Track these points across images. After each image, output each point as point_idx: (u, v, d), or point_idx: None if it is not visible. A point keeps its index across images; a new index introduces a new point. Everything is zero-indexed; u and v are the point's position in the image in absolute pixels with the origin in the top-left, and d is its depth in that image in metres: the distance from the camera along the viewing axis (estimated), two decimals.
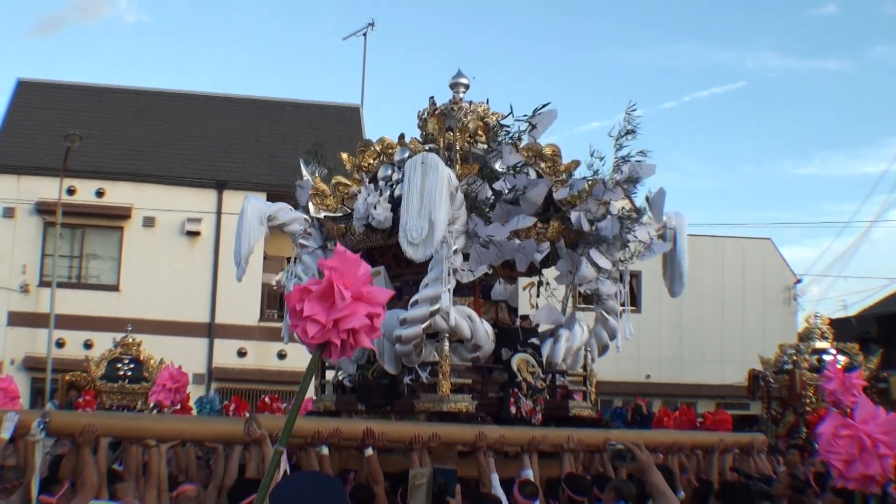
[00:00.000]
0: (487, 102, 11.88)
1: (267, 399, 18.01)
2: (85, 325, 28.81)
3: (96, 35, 75.90)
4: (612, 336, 11.83)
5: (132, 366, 21.34)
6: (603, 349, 11.95)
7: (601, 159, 10.97)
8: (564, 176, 11.51)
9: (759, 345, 28.42)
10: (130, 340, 21.89)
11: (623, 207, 11.05)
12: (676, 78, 76.91)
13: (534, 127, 11.20)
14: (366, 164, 11.79)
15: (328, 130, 32.69)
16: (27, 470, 8.04)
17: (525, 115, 11.17)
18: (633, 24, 77.38)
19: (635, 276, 33.94)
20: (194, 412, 21.57)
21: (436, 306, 10.11)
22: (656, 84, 75.77)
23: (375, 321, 4.66)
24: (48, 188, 29.14)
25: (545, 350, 11.33)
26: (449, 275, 10.15)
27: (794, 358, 21.90)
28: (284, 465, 4.72)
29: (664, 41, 77.44)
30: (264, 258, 28.46)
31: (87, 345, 28.02)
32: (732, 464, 11.57)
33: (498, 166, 10.95)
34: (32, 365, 28.66)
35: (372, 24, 37.66)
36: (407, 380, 10.83)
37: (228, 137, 33.04)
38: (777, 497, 9.27)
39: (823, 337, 22.51)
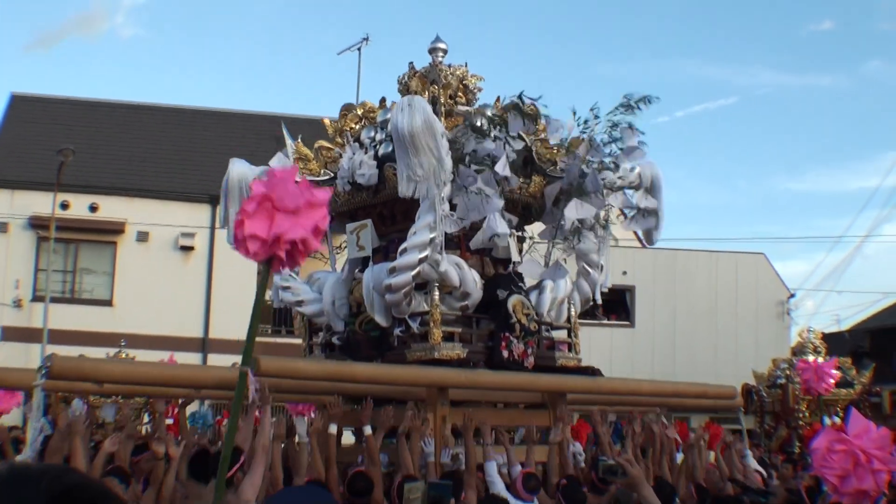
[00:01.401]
0: (466, 66, 12.00)
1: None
2: (78, 340, 28.71)
3: (93, 50, 76.10)
4: (594, 289, 12.07)
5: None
6: (585, 302, 12.17)
7: (596, 116, 11.14)
8: (545, 135, 11.71)
9: (753, 359, 28.45)
10: (124, 355, 21.86)
11: (604, 160, 11.24)
12: (669, 93, 77.06)
13: (535, 108, 11.27)
14: (349, 128, 11.89)
15: None
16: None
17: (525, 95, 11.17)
18: (626, 40, 77.71)
19: (628, 290, 34.00)
20: (188, 426, 21.52)
21: (425, 252, 10.17)
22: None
23: (321, 224, 4.71)
24: (41, 203, 29.06)
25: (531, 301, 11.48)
26: (440, 221, 10.24)
27: (788, 372, 21.98)
28: (253, 387, 4.75)
29: (657, 56, 77.74)
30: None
31: None
32: (717, 457, 11.74)
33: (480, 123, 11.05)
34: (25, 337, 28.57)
35: (366, 39, 37.58)
36: (397, 331, 10.88)
37: (222, 152, 32.75)
38: None
39: (816, 351, 22.60)
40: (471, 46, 75.95)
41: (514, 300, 10.87)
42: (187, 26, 78.38)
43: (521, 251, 11.96)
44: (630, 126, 11.09)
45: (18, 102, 34.02)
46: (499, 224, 10.56)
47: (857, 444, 6.11)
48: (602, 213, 11.58)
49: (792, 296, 36.09)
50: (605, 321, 33.55)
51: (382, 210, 11.50)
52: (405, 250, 10.27)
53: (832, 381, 11.20)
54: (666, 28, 77.79)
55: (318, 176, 11.80)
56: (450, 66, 11.91)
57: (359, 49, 38.03)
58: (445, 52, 12.03)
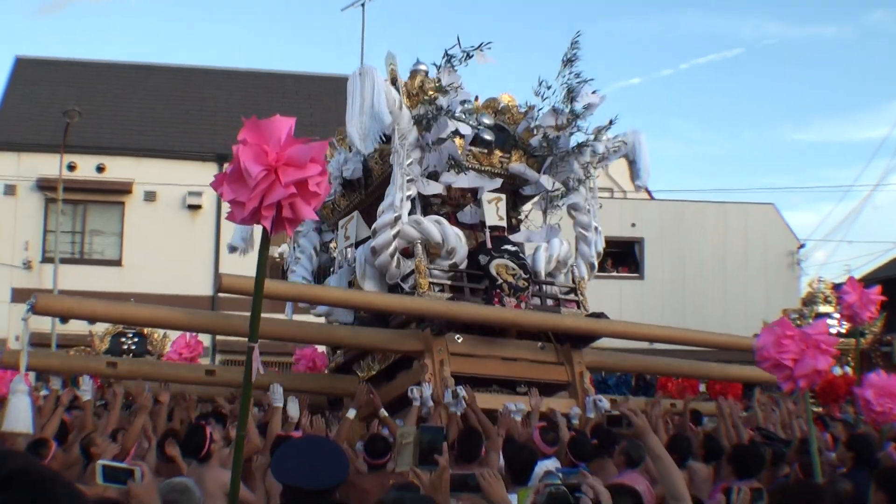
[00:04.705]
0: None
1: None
2: None
3: (101, 12, 75.67)
4: (599, 252, 12.31)
5: (136, 340, 21.37)
6: (590, 267, 12.28)
7: (549, 87, 11.62)
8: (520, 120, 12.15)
9: (763, 310, 28.42)
10: None
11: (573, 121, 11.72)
12: (673, 46, 76.73)
13: (469, 56, 11.41)
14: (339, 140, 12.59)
15: (328, 102, 32.62)
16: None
17: (471, 46, 11.43)
18: None
19: (637, 242, 33.93)
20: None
21: (400, 211, 10.67)
22: (653, 52, 75.64)
23: (312, 183, 4.23)
24: (49, 165, 29.09)
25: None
26: (406, 182, 10.72)
27: (798, 323, 21.95)
28: (257, 363, 4.69)
29: (660, 9, 77.24)
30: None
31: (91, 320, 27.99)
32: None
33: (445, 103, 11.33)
34: (36, 341, 28.49)
35: None
36: None
37: (228, 110, 32.82)
38: (790, 462, 9.25)
39: (827, 301, 22.57)
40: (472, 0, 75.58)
41: (496, 264, 11.10)
42: None
43: (513, 219, 12.26)
44: (581, 81, 11.58)
45: (23, 65, 33.93)
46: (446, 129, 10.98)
47: (804, 331, 6.73)
48: (582, 171, 11.90)
49: (802, 246, 35.96)
50: (615, 273, 33.53)
51: (375, 202, 11.84)
52: (382, 212, 10.76)
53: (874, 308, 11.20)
54: None
55: None
56: (426, 73, 12.05)
57: (363, 4, 37.91)
58: (427, 73, 12.15)
